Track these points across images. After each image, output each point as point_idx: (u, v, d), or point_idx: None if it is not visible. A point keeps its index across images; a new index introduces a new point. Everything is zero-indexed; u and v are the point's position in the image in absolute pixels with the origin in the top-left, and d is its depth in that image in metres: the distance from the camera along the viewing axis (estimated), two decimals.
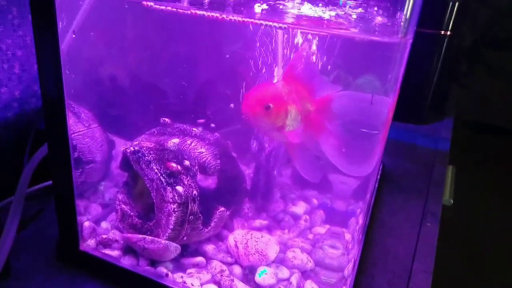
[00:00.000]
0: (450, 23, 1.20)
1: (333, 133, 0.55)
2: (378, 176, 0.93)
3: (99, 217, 0.65)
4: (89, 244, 0.60)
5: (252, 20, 0.46)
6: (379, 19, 0.40)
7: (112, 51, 0.66)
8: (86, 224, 0.61)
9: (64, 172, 0.55)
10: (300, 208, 0.71)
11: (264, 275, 0.57)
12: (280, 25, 0.44)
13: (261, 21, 0.46)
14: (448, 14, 1.18)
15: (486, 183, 2.25)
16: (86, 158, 0.63)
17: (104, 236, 0.60)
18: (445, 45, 1.23)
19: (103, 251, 0.59)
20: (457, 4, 1.17)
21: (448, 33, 1.21)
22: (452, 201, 1.07)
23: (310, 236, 0.67)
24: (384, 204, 0.88)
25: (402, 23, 0.37)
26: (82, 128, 0.62)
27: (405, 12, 0.37)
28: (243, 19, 0.49)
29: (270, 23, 0.44)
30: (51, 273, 0.59)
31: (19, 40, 0.71)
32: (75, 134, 0.61)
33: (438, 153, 1.15)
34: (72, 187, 0.56)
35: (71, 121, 0.61)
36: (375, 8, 0.41)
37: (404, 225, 0.82)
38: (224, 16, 0.50)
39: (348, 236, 0.60)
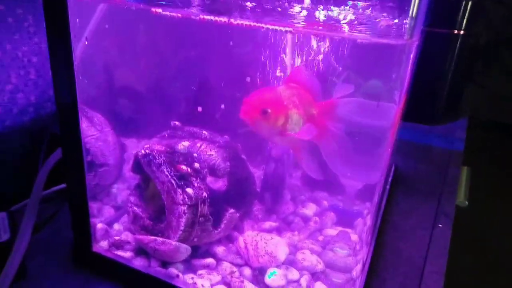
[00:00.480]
0: (463, 22, 1.18)
1: (335, 138, 0.55)
2: (390, 178, 0.93)
3: (112, 219, 0.66)
4: (102, 246, 0.61)
5: (259, 24, 0.47)
6: (385, 21, 0.40)
7: (123, 57, 0.67)
8: (99, 226, 0.62)
9: (77, 175, 0.56)
10: (310, 210, 0.71)
11: (273, 276, 0.57)
12: (287, 29, 0.45)
13: (268, 26, 0.46)
14: (461, 13, 1.17)
15: (502, 183, 2.21)
16: (99, 161, 0.64)
17: (116, 238, 0.61)
18: (458, 44, 1.22)
19: (115, 252, 0.61)
20: (470, 3, 1.15)
21: (462, 32, 1.20)
22: (467, 203, 1.05)
23: (320, 238, 0.67)
24: (396, 205, 0.87)
25: (407, 25, 0.37)
26: (95, 132, 0.64)
27: (410, 13, 0.37)
28: (250, 23, 0.49)
29: (276, 27, 0.44)
30: (65, 274, 0.61)
31: (34, 47, 0.73)
32: (89, 137, 0.62)
33: (452, 153, 1.13)
34: (85, 189, 0.57)
35: (84, 125, 0.63)
36: (382, 14, 0.41)
37: (416, 227, 0.81)
38: (232, 20, 0.51)
39: (355, 237, 0.60)
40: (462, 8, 1.15)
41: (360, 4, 0.46)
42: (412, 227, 0.80)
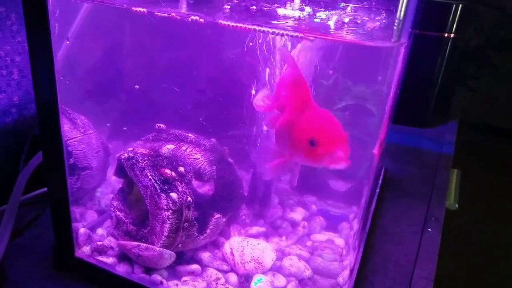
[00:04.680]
0: (453, 25, 1.18)
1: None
2: (380, 181, 0.92)
3: (95, 224, 0.64)
4: (84, 251, 0.60)
5: (245, 25, 0.46)
6: (372, 23, 0.39)
7: (108, 58, 0.66)
8: (82, 230, 0.61)
9: (58, 178, 0.55)
10: (298, 214, 0.70)
11: (260, 283, 0.56)
12: (274, 30, 0.44)
13: (254, 27, 0.45)
14: (451, 16, 1.17)
15: (492, 186, 2.22)
16: (81, 164, 0.63)
17: (99, 243, 0.60)
18: (449, 47, 1.22)
19: (98, 258, 0.59)
20: (460, 6, 1.15)
21: (452, 35, 1.20)
22: (457, 206, 1.05)
23: (309, 243, 0.66)
24: (385, 209, 0.86)
25: (395, 27, 0.37)
26: (78, 134, 0.62)
27: (398, 15, 0.37)
28: (237, 24, 0.48)
29: (263, 28, 0.43)
30: (47, 279, 0.59)
31: (17, 46, 0.71)
32: (71, 140, 0.60)
33: (442, 156, 1.13)
34: (67, 193, 0.56)
35: (66, 127, 0.61)
36: (370, 16, 0.40)
37: (406, 230, 0.80)
38: (219, 21, 0.50)
39: (341, 242, 0.59)
40: (452, 11, 1.16)
41: (349, 7, 0.45)
42: (402, 231, 0.80)
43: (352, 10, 0.40)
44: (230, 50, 0.59)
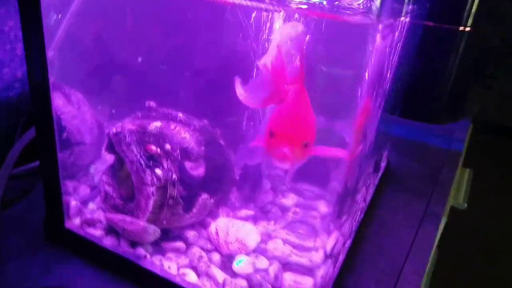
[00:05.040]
0: (469, 18, 1.15)
1: None
2: (380, 174, 0.91)
3: (87, 198, 0.66)
4: (74, 223, 0.61)
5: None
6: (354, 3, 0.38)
7: (103, 36, 0.66)
8: (73, 203, 0.62)
9: (49, 151, 0.56)
10: (289, 200, 0.70)
11: (241, 264, 0.57)
12: (247, 3, 0.43)
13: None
14: (467, 9, 1.13)
15: (504, 187, 2.16)
16: (75, 140, 0.64)
17: (88, 216, 0.61)
18: (463, 42, 1.18)
19: (87, 230, 0.60)
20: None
21: (468, 29, 1.16)
22: (466, 205, 1.03)
23: (301, 230, 0.66)
24: (384, 201, 0.85)
25: (375, 2, 0.36)
26: (71, 110, 0.63)
27: None
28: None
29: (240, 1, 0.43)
30: (37, 251, 0.61)
31: None
32: (65, 114, 0.62)
33: (449, 154, 1.10)
34: (57, 166, 0.57)
35: (60, 102, 0.63)
36: None
37: (402, 224, 0.79)
38: None
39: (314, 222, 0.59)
40: (468, 4, 1.12)
41: None
42: (398, 225, 0.79)
43: None
44: (225, 31, 0.59)
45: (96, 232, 0.60)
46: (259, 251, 0.60)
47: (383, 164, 0.94)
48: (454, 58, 1.19)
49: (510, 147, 2.48)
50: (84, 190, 0.67)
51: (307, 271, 0.56)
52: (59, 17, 0.55)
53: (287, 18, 0.46)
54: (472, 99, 1.52)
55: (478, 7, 1.13)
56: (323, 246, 0.54)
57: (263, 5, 0.41)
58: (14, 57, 0.73)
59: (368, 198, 0.80)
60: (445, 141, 1.17)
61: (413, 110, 1.18)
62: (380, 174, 0.91)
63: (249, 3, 0.42)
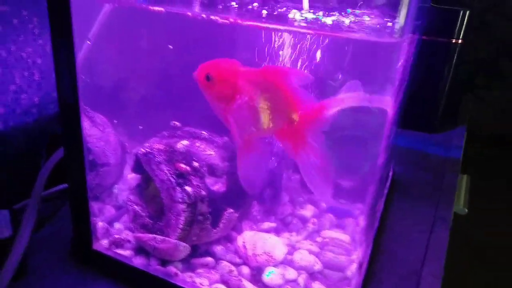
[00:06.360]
0: (461, 31, 1.20)
1: (315, 153, 0.50)
2: (388, 183, 0.94)
3: (113, 218, 0.67)
4: (102, 244, 0.62)
5: (252, 23, 0.48)
6: (375, 19, 0.41)
7: (124, 57, 0.68)
8: (100, 224, 0.63)
9: (78, 173, 0.57)
10: (308, 211, 0.72)
11: (271, 275, 0.58)
12: (278, 27, 0.46)
13: (258, 24, 0.47)
14: (459, 22, 1.19)
15: (500, 193, 2.21)
16: (100, 161, 0.65)
17: (116, 236, 0.62)
18: (456, 53, 1.24)
19: (115, 250, 0.61)
20: (467, 12, 1.18)
21: (460, 41, 1.22)
22: (466, 210, 1.06)
23: (319, 239, 0.67)
24: (393, 210, 0.88)
25: (397, 23, 0.38)
26: (97, 132, 0.65)
27: (399, 12, 0.38)
28: (246, 22, 0.51)
29: (270, 26, 0.45)
30: (65, 272, 0.61)
31: (39, 49, 0.74)
32: (91, 137, 0.63)
33: (450, 161, 1.14)
34: (86, 188, 0.58)
35: (86, 125, 0.64)
36: (373, 12, 0.42)
37: (413, 230, 0.81)
38: (234, 20, 0.52)
39: (347, 238, 0.61)
40: (460, 17, 1.17)
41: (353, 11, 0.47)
42: (409, 231, 0.81)
43: (355, 6, 0.42)
44: (244, 51, 0.62)
45: (125, 252, 0.61)
46: (285, 262, 0.61)
47: (390, 173, 0.97)
48: (449, 69, 1.24)
49: (504, 155, 2.55)
50: (109, 211, 0.68)
51: (337, 281, 0.58)
52: (89, 41, 0.57)
53: (314, 40, 0.48)
54: (466, 106, 1.56)
55: (468, 19, 1.18)
56: (358, 258, 0.56)
57: (292, 28, 0.44)
58: (31, 83, 0.74)
59: (381, 206, 0.83)
60: (445, 148, 1.21)
61: (411, 120, 1.22)
62: (388, 184, 0.93)
63: (280, 27, 0.44)
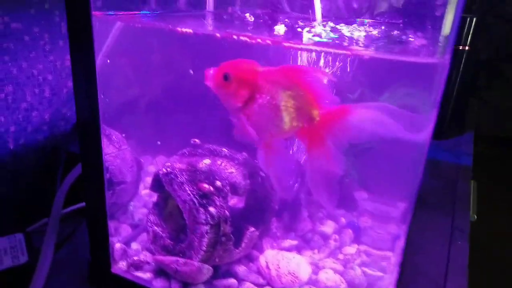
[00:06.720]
0: (468, 38, 1.20)
1: (331, 154, 0.49)
2: None
3: (129, 238, 0.65)
4: (120, 267, 0.60)
5: (286, 43, 0.47)
6: (418, 40, 0.40)
7: (140, 75, 0.67)
8: (118, 245, 0.61)
9: (97, 193, 0.55)
10: (328, 227, 0.70)
11: None
12: (316, 48, 0.45)
13: (291, 44, 0.46)
14: (466, 29, 1.19)
15: (508, 197, 2.21)
16: (117, 179, 0.63)
17: (135, 258, 0.60)
18: (463, 60, 1.23)
19: (134, 273, 0.59)
20: (474, 19, 1.17)
21: (467, 48, 1.21)
22: (476, 217, 1.05)
23: (341, 256, 0.66)
24: (410, 221, 0.86)
25: (440, 44, 0.37)
26: (113, 150, 0.63)
27: (443, 32, 0.37)
28: (271, 41, 0.49)
29: (301, 46, 0.44)
30: None
31: (49, 65, 0.73)
32: (107, 155, 0.61)
33: (461, 168, 1.13)
34: (105, 208, 0.56)
35: (103, 142, 0.62)
36: (416, 34, 0.41)
37: (433, 242, 0.80)
38: (254, 39, 0.51)
39: (389, 259, 0.59)
40: (466, 24, 1.17)
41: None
42: (429, 243, 0.80)
43: (397, 28, 0.41)
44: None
45: (144, 275, 0.59)
46: (311, 282, 0.59)
47: None
48: (456, 76, 1.24)
49: (508, 157, 2.55)
50: (126, 230, 0.66)
51: None
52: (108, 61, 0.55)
53: (354, 60, 0.47)
54: (472, 112, 1.56)
55: (474, 26, 1.18)
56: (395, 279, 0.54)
57: (333, 50, 0.42)
58: (42, 100, 0.73)
59: None
60: (454, 155, 1.20)
61: None
62: None
63: (317, 48, 0.43)
